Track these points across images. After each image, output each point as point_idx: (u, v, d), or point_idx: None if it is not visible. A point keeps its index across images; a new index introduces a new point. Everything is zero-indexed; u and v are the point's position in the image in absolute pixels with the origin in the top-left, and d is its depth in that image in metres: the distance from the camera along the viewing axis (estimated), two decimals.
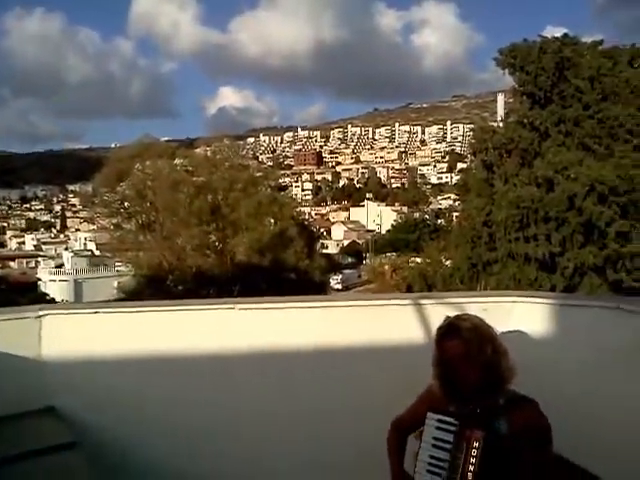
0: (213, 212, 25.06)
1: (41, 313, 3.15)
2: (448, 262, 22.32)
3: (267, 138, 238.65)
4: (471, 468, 2.01)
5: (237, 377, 3.20)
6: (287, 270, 24.26)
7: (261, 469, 3.28)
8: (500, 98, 25.78)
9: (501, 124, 20.60)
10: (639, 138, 16.78)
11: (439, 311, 2.63)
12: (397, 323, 3.18)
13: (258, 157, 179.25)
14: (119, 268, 35.73)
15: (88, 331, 3.21)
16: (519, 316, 3.17)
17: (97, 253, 50.14)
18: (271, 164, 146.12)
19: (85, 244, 61.89)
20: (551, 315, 3.13)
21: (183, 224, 24.72)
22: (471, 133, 28.93)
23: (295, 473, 3.27)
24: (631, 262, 16.74)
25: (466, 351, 2.16)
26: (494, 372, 2.18)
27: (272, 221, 25.92)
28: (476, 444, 2.02)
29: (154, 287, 23.64)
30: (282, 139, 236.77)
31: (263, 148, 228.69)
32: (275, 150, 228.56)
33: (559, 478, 2.00)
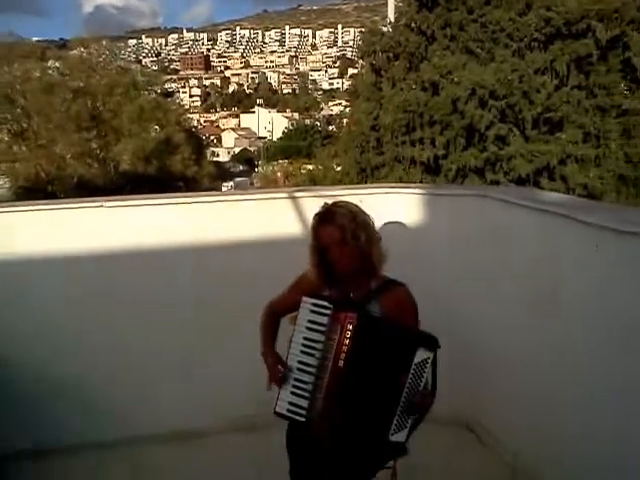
0: (93, 118, 23.50)
1: None
2: (339, 168, 22.53)
3: (150, 40, 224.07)
4: (344, 348, 2.08)
5: (106, 275, 3.09)
6: (174, 178, 23.56)
7: (134, 365, 3.26)
8: (390, 1, 25.43)
9: (390, 28, 20.45)
10: (518, 43, 17.25)
11: (317, 203, 2.63)
12: (274, 217, 3.17)
13: (141, 61, 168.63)
14: None
15: None
16: (392, 206, 3.25)
17: None
18: (156, 68, 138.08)
19: None
20: (423, 204, 3.25)
21: (60, 131, 23.03)
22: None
23: (173, 365, 3.29)
24: (507, 164, 17.66)
25: (342, 237, 2.18)
26: (368, 258, 2.23)
27: (157, 128, 24.75)
28: (350, 326, 2.08)
29: (33, 199, 22.21)
30: (167, 41, 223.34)
31: (146, 51, 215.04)
32: (160, 53, 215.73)
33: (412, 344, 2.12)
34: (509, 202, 2.92)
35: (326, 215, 2.25)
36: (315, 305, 2.15)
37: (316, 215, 2.28)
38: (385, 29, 20.97)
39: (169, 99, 33.28)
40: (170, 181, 23.20)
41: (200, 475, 3.10)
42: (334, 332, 2.10)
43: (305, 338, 2.15)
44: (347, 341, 2.07)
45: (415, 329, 2.19)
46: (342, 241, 2.18)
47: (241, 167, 74.13)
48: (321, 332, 2.12)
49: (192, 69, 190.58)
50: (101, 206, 3.05)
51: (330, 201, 2.41)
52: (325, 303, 2.14)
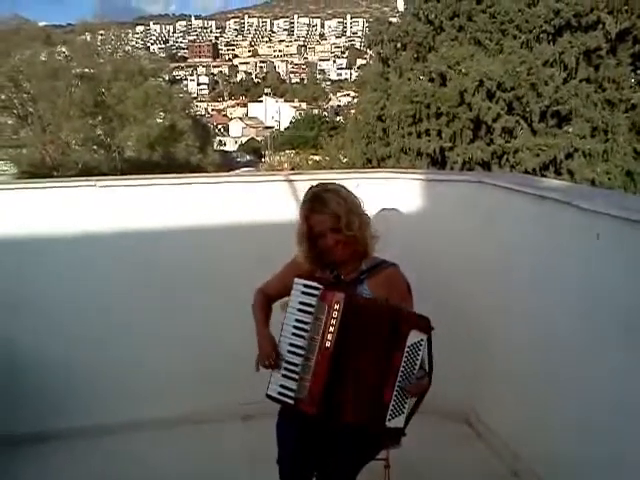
0: (97, 104, 23.41)
1: None
2: (346, 160, 22.37)
3: (158, 27, 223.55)
4: (332, 329, 2.04)
5: (97, 256, 3.05)
6: (179, 166, 23.48)
7: (117, 348, 3.21)
8: None
9: (398, 17, 20.33)
10: (527, 34, 17.09)
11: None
12: (268, 199, 3.12)
13: (149, 48, 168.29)
14: None
15: None
16: (391, 191, 3.20)
17: None
18: (164, 55, 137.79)
19: None
20: (421, 190, 3.19)
21: (65, 116, 22.98)
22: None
23: (152, 346, 3.24)
24: (514, 157, 17.53)
25: (336, 226, 2.15)
26: (360, 242, 2.20)
27: (162, 114, 24.65)
28: (337, 305, 2.03)
29: None
30: (175, 29, 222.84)
31: (154, 38, 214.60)
32: (167, 40, 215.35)
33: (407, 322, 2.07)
34: (504, 188, 2.86)
35: (317, 202, 2.18)
36: (306, 286, 2.11)
37: (306, 201, 2.21)
38: (393, 19, 20.83)
39: (177, 87, 33.07)
40: (174, 168, 23.14)
41: (191, 461, 3.05)
42: (322, 312, 2.06)
43: (297, 320, 2.12)
44: (334, 321, 2.03)
45: (406, 310, 2.13)
46: (337, 229, 2.14)
47: (248, 157, 73.72)
48: (310, 313, 2.09)
49: (200, 57, 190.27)
50: (93, 185, 3.01)
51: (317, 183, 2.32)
52: (315, 284, 2.10)
